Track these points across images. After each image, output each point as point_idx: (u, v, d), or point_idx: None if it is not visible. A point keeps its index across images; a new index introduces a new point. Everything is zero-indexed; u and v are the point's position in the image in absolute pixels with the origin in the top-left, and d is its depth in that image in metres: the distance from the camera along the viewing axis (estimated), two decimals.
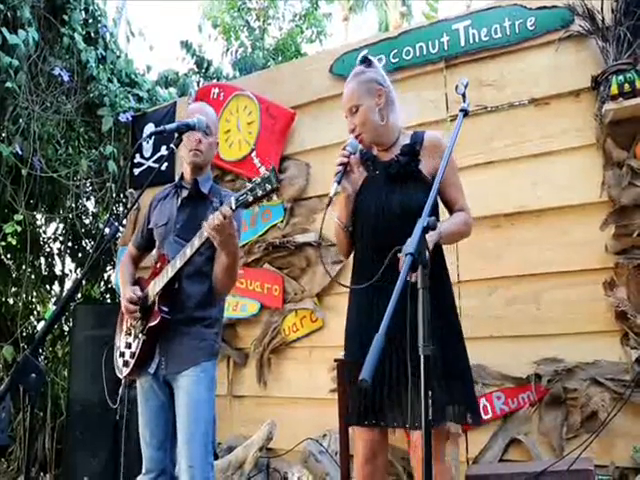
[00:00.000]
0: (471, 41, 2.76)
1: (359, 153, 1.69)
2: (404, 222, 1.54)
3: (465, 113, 1.51)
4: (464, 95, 1.54)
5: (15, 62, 3.31)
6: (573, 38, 2.52)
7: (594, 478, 1.87)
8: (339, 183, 1.59)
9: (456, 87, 1.55)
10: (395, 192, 1.65)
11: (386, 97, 1.72)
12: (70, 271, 4.50)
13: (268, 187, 1.54)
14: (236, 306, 3.15)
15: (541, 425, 2.34)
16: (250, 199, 1.57)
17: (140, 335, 1.82)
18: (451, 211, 1.73)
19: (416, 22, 3.69)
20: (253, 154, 3.30)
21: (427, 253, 1.19)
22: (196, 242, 1.71)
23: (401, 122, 1.77)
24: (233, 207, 1.60)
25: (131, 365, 1.83)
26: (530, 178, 2.54)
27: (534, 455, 2.29)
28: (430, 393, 1.44)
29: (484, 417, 2.42)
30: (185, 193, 1.97)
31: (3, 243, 4.06)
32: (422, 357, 1.13)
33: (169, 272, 1.78)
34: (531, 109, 2.60)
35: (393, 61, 2.96)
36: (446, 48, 2.82)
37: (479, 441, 2.43)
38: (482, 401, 2.43)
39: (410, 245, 1.15)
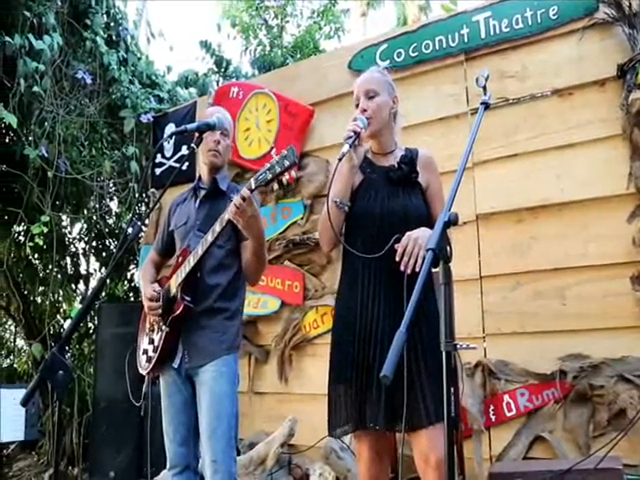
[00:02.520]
0: (492, 33, 2.71)
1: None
2: (407, 225, 1.56)
3: (486, 106, 1.49)
4: (485, 88, 1.52)
5: (41, 67, 3.39)
6: (597, 26, 2.46)
7: (623, 477, 1.83)
8: (351, 146, 1.55)
9: (476, 80, 1.54)
10: (398, 196, 1.64)
11: (396, 107, 1.74)
12: (94, 270, 4.61)
13: (286, 163, 1.54)
14: (257, 303, 3.17)
15: (566, 422, 2.29)
16: (269, 177, 1.57)
17: (163, 327, 1.83)
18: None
19: (435, 15, 3.65)
20: (273, 152, 3.31)
21: (449, 248, 1.17)
22: (217, 227, 1.72)
23: (398, 138, 1.78)
24: (253, 187, 1.62)
25: (154, 359, 1.84)
26: (554, 171, 2.49)
27: (559, 453, 2.25)
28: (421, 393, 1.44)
29: (507, 414, 2.39)
30: (203, 193, 1.99)
31: (31, 244, 4.16)
32: (444, 353, 1.11)
33: (191, 261, 1.80)
34: (554, 100, 2.54)
35: (412, 55, 2.93)
36: (466, 40, 2.78)
37: (502, 438, 2.39)
38: (505, 398, 2.40)
39: (431, 240, 1.14)
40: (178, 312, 1.79)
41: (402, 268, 1.46)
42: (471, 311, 2.53)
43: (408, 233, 1.50)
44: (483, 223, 2.62)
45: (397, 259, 1.48)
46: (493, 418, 2.42)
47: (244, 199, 1.62)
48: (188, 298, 1.81)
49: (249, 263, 1.86)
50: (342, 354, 1.61)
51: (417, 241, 1.48)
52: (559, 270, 2.42)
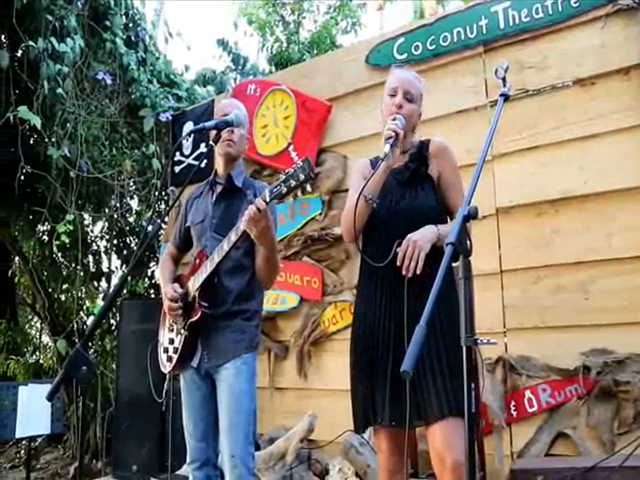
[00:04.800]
0: (511, 23, 2.67)
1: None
2: (413, 222, 1.56)
3: (506, 98, 1.46)
4: (504, 79, 1.49)
5: (65, 69, 3.45)
6: (621, 12, 2.40)
7: None
8: (392, 146, 1.54)
9: (496, 71, 1.51)
10: (405, 197, 1.64)
11: (419, 121, 1.74)
12: (116, 268, 4.68)
13: (302, 177, 1.52)
14: (276, 299, 3.18)
15: (590, 419, 2.25)
16: (284, 190, 1.56)
17: (182, 331, 1.86)
18: (452, 215, 1.66)
19: (453, 7, 3.60)
20: (290, 148, 3.31)
21: (468, 242, 1.16)
22: (233, 236, 1.72)
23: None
24: (267, 199, 1.61)
25: (174, 360, 1.87)
26: (575, 162, 2.44)
27: (582, 450, 2.22)
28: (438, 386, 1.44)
29: (529, 410, 2.36)
30: (219, 189, 1.99)
31: (57, 242, 4.25)
32: (464, 348, 1.09)
33: (208, 267, 1.80)
34: (576, 90, 2.49)
35: (430, 48, 2.90)
36: (484, 32, 2.74)
37: (524, 435, 2.36)
38: (527, 393, 2.37)
39: (450, 235, 1.13)
40: (196, 318, 1.81)
41: (404, 272, 1.48)
42: (492, 306, 2.50)
43: (408, 236, 1.51)
44: (503, 216, 2.59)
45: (398, 264, 1.49)
46: (514, 414, 2.39)
47: (259, 210, 1.60)
48: (205, 304, 1.82)
49: (261, 269, 1.86)
50: (357, 351, 1.64)
51: (416, 243, 1.49)
52: (581, 264, 2.37)
